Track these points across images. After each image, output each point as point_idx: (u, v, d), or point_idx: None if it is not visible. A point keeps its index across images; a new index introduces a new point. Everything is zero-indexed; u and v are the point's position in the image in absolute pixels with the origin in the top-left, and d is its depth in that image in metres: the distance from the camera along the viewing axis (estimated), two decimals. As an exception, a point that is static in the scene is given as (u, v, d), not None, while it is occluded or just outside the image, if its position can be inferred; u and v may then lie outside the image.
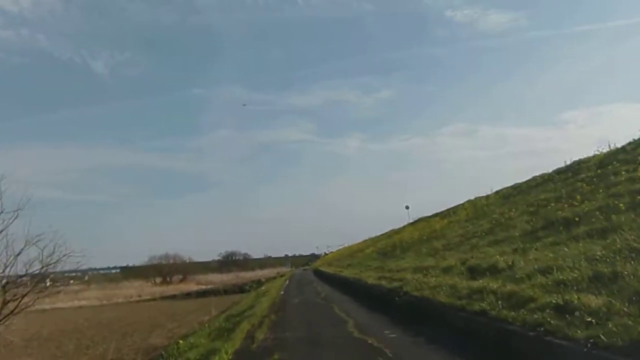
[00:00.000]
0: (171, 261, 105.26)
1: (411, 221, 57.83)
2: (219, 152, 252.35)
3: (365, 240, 73.03)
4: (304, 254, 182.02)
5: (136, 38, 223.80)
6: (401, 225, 59.85)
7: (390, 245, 37.16)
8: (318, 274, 53.31)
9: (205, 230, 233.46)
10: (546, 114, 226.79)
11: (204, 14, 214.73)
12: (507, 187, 30.39)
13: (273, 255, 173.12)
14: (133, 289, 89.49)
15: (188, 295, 67.51)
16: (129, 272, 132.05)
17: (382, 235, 63.28)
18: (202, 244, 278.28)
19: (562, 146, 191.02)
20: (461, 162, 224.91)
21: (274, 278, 66.90)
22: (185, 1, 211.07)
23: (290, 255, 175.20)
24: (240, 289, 66.99)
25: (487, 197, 31.68)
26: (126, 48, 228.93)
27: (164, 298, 68.40)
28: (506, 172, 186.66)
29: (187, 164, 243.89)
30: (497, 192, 31.20)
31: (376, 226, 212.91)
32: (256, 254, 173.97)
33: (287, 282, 44.21)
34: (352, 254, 57.89)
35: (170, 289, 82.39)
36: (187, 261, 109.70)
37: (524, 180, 28.70)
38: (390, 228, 62.83)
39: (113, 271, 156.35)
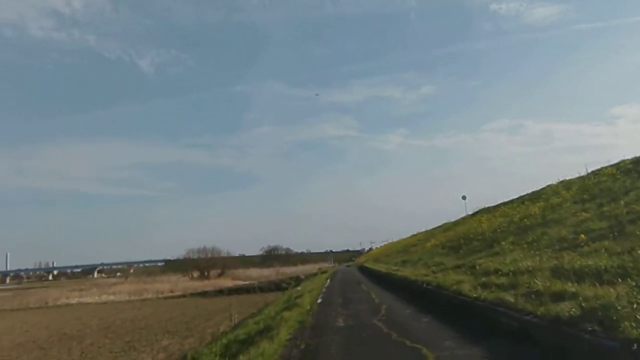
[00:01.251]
0: (209, 255, 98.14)
1: (470, 212, 49.59)
2: (262, 148, 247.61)
3: (416, 235, 63.85)
4: (348, 249, 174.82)
5: (181, 37, 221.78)
6: (456, 217, 51.78)
7: (458, 238, 28.26)
8: (365, 271, 44.27)
9: (248, 224, 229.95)
10: (595, 109, 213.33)
11: (247, 12, 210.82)
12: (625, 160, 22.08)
13: (316, 251, 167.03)
14: (168, 283, 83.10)
15: (220, 292, 59.67)
16: (171, 266, 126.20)
17: (436, 228, 53.95)
18: (245, 238, 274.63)
19: (613, 142, 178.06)
20: (506, 158, 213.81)
21: (314, 275, 58.15)
22: (229, 0, 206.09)
23: (332, 250, 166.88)
24: (276, 286, 58.80)
25: (593, 174, 22.99)
26: (171, 46, 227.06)
27: (195, 294, 60.85)
28: (554, 169, 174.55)
29: (231, 160, 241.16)
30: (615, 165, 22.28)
31: (420, 222, 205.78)
32: (298, 249, 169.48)
33: (329, 281, 35.39)
34: (404, 248, 48.72)
35: (206, 284, 75.10)
36: (226, 255, 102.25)
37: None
38: (441, 222, 55.77)
39: (158, 264, 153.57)
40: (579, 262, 9.84)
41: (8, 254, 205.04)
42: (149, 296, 64.43)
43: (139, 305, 54.01)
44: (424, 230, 66.65)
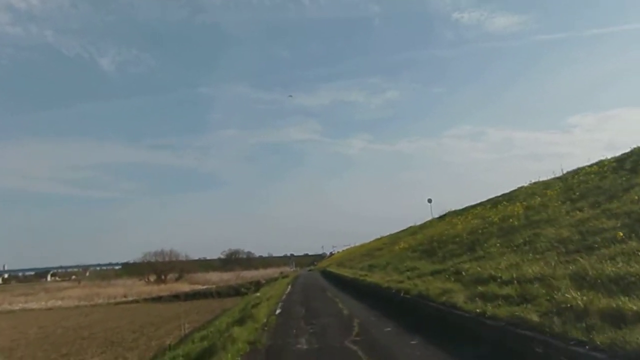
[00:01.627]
0: (166, 258, 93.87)
1: (437, 216, 47.81)
2: (226, 150, 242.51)
3: (380, 239, 61.75)
4: (309, 253, 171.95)
5: (143, 35, 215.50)
6: (422, 221, 49.96)
7: (430, 241, 26.05)
8: (329, 276, 41.71)
9: (209, 227, 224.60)
10: (553, 117, 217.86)
11: (211, 12, 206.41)
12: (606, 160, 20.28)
13: (277, 255, 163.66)
14: (123, 287, 78.64)
15: (176, 297, 56.17)
16: (128, 269, 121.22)
17: (402, 231, 52.01)
18: (206, 242, 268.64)
19: (569, 150, 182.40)
20: (468, 164, 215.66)
21: (276, 279, 55.28)
22: None
23: (294, 254, 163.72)
24: (235, 291, 55.72)
25: (571, 174, 21.27)
26: (133, 45, 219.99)
27: (149, 300, 57.14)
28: (514, 175, 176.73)
29: (193, 162, 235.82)
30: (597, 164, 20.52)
31: (384, 226, 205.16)
32: (260, 252, 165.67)
33: (290, 287, 32.59)
34: (369, 252, 46.45)
35: (162, 289, 71.14)
36: (184, 258, 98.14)
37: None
38: (405, 226, 53.42)
39: (116, 267, 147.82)
40: (610, 268, 7.54)
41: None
42: (100, 301, 60.36)
43: (88, 311, 50.12)
44: (388, 234, 64.75)
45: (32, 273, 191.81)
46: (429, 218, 50.25)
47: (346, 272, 32.17)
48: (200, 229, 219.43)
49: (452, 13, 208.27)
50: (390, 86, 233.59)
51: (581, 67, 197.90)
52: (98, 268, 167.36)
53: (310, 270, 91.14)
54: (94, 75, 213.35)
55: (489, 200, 29.99)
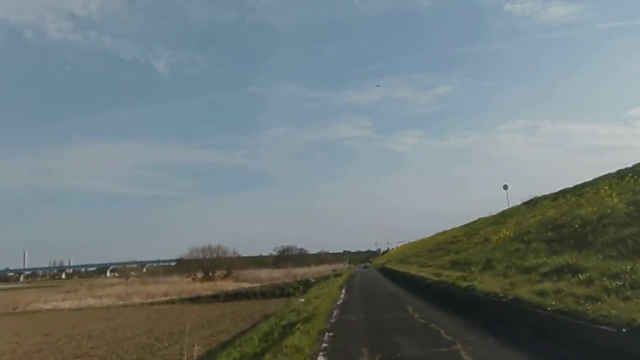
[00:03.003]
0: (214, 254, 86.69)
1: (519, 203, 38.16)
2: (276, 148, 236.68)
3: (445, 232, 51.88)
4: (362, 250, 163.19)
5: (195, 37, 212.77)
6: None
7: (551, 226, 16.64)
8: (395, 277, 32.08)
9: (262, 225, 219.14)
10: (613, 109, 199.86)
11: (259, 12, 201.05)
12: None
13: (330, 251, 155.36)
14: (167, 285, 71.98)
15: (215, 297, 48.19)
16: (182, 265, 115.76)
17: (475, 223, 42.19)
18: (260, 239, 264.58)
19: (631, 143, 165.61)
20: (523, 159, 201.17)
21: (327, 278, 46.27)
22: (242, 0, 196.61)
23: (348, 251, 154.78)
24: (281, 291, 47.19)
25: None
26: (186, 47, 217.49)
27: (187, 300, 49.37)
28: (571, 170, 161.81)
29: (246, 160, 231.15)
30: None
31: (435, 223, 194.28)
32: (313, 249, 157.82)
33: (344, 292, 22.93)
34: (438, 247, 36.82)
35: (206, 287, 63.60)
36: (232, 254, 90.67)
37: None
38: (457, 223, 49.50)
39: (172, 264, 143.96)
40: None
41: (25, 252, 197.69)
42: (137, 301, 53.25)
43: (116, 313, 42.85)
44: (452, 227, 54.71)
45: (94, 269, 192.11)
46: (503, 207, 40.97)
47: (419, 272, 22.78)
48: (253, 226, 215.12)
49: (504, 5, 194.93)
50: (441, 81, 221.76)
51: None
52: (155, 264, 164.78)
53: (365, 267, 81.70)
54: (150, 77, 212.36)
55: (570, 190, 25.60)
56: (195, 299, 48.54)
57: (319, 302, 16.74)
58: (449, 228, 56.38)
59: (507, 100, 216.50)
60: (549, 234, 15.55)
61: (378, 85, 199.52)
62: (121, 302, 52.91)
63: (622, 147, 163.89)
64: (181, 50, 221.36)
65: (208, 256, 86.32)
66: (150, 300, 52.74)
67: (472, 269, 16.61)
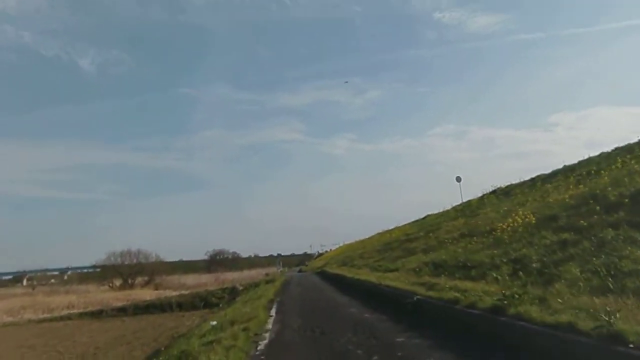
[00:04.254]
0: (134, 259, 76.33)
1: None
2: (209, 151, 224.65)
3: (389, 231, 45.48)
4: (297, 253, 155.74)
5: (123, 36, 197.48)
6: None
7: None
8: (340, 283, 24.54)
9: (195, 229, 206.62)
10: (534, 116, 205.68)
11: (192, 12, 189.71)
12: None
13: (264, 255, 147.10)
14: (76, 294, 61.08)
15: (122, 310, 39.03)
16: (99, 273, 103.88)
17: (434, 217, 35.96)
18: (191, 243, 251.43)
19: (551, 148, 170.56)
20: (451, 163, 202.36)
21: (257, 285, 38.02)
22: (173, 0, 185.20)
23: (281, 254, 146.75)
24: (203, 301, 38.68)
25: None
26: (113, 46, 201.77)
27: (87, 315, 39.74)
28: (496, 174, 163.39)
29: (178, 163, 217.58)
30: None
31: (370, 225, 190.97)
32: (246, 253, 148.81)
33: (274, 312, 14.91)
34: (389, 246, 29.96)
35: (119, 297, 53.78)
36: (155, 259, 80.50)
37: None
38: (392, 224, 47.81)
39: (97, 270, 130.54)
40: None
41: None
42: (27, 316, 42.84)
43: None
44: (393, 227, 48.36)
45: (10, 277, 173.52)
46: (457, 201, 35.44)
47: (383, 279, 15.37)
48: (186, 231, 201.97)
49: (433, 13, 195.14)
50: (373, 86, 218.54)
51: (560, 66, 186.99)
52: (79, 271, 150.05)
53: (300, 271, 74.03)
54: (74, 76, 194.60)
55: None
56: (98, 314, 39.08)
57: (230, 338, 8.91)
58: (390, 228, 50.34)
59: (437, 106, 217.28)
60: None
61: (347, 82, 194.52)
62: (9, 319, 42.44)
63: (544, 152, 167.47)
64: (108, 49, 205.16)
65: (127, 262, 75.70)
66: (44, 315, 42.52)
67: (495, 275, 9.41)
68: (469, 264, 11.80)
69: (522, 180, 27.93)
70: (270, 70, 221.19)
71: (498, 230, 13.35)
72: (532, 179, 26.22)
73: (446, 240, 19.45)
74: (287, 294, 21.76)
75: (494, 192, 29.50)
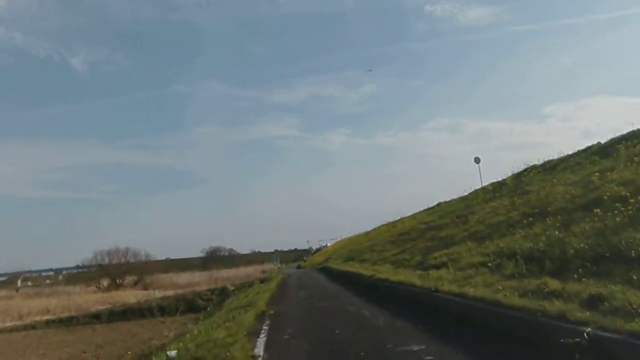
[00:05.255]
0: (122, 258, 70.41)
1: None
2: (204, 148, 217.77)
3: (394, 222, 39.93)
4: (294, 248, 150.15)
5: (115, 34, 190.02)
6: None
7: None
8: (352, 283, 18.89)
9: (191, 226, 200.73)
10: (528, 107, 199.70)
11: (184, 10, 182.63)
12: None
13: (261, 251, 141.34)
14: (59, 296, 55.16)
15: (96, 317, 33.18)
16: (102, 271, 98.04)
17: (423, 211, 30.35)
18: (188, 241, 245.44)
19: (545, 140, 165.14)
20: (446, 156, 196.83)
21: (250, 286, 32.11)
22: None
23: (279, 250, 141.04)
24: (188, 304, 32.94)
25: None
26: (105, 44, 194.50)
27: (55, 322, 33.84)
28: (492, 166, 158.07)
29: (173, 160, 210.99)
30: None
31: (368, 219, 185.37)
32: (243, 249, 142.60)
33: (265, 330, 9.66)
34: (400, 239, 24.35)
35: (102, 298, 48.00)
36: (144, 257, 74.57)
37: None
38: (390, 218, 44.51)
39: (84, 270, 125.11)
40: None
41: None
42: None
43: None
44: (390, 220, 42.80)
45: (4, 278, 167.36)
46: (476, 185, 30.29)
47: (442, 282, 9.69)
48: (183, 228, 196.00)
49: (425, 5, 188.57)
50: (367, 80, 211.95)
51: (554, 57, 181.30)
52: (75, 271, 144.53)
53: (299, 267, 68.26)
54: (67, 75, 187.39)
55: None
56: (67, 321, 33.21)
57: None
58: (390, 220, 44.81)
59: (431, 99, 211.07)
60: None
61: (371, 70, 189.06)
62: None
63: (537, 144, 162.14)
64: (100, 48, 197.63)
65: (115, 261, 69.77)
66: (8, 324, 36.58)
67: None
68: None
69: (563, 154, 22.53)
70: (263, 66, 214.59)
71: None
72: (586, 150, 20.87)
73: (500, 223, 13.92)
74: (285, 301, 15.84)
75: (529, 168, 23.99)
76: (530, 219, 12.37)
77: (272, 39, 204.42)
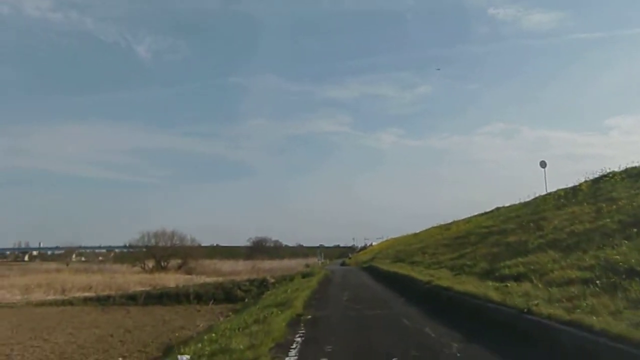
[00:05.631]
0: (168, 241, 70.45)
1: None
2: (256, 140, 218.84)
3: (448, 225, 36.98)
4: (339, 245, 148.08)
5: (178, 24, 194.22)
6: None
7: None
8: (402, 286, 16.65)
9: (240, 216, 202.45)
10: (590, 118, 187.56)
11: (246, 2, 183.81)
12: None
13: (306, 245, 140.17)
14: (104, 274, 55.54)
15: (132, 299, 32.28)
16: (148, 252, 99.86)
17: (478, 216, 27.48)
18: (236, 230, 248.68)
19: (605, 152, 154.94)
20: (500, 162, 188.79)
21: (292, 279, 30.31)
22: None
23: (324, 245, 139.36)
24: (226, 293, 31.51)
25: None
26: (168, 34, 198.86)
27: (93, 300, 33.24)
28: (550, 175, 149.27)
29: (226, 150, 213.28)
30: None
31: (415, 221, 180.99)
32: (289, 242, 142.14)
33: (298, 343, 7.92)
34: (455, 241, 21.75)
35: (143, 280, 47.68)
36: (189, 242, 74.46)
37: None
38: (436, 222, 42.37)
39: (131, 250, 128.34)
40: None
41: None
42: (35, 297, 37.01)
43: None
44: (460, 218, 39.66)
45: (62, 251, 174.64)
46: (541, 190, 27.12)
47: (544, 307, 7.37)
48: (231, 217, 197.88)
49: (488, 8, 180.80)
50: (423, 81, 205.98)
51: (621, 66, 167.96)
52: (125, 250, 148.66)
53: (343, 264, 66.02)
54: (131, 62, 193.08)
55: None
56: (104, 300, 32.49)
57: None
58: (442, 223, 41.84)
59: (487, 104, 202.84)
60: None
61: (439, 69, 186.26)
62: (15, 298, 36.72)
63: (597, 155, 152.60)
64: (163, 37, 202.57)
65: (162, 243, 69.95)
66: (51, 297, 36.47)
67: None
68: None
69: None
70: (319, 62, 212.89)
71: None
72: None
73: (590, 232, 11.38)
74: (326, 303, 13.73)
75: (609, 174, 20.77)
76: (635, 229, 9.78)
77: (330, 35, 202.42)
